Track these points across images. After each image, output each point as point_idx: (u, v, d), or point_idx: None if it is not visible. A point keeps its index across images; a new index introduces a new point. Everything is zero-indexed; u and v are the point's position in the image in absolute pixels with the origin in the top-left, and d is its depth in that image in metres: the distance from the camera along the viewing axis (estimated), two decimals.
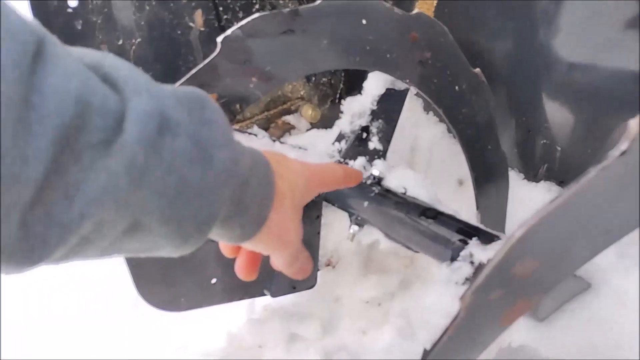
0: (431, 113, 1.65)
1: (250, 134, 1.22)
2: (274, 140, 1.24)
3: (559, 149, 1.31)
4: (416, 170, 1.71)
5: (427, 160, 1.72)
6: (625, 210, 0.61)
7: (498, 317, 0.63)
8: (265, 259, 1.37)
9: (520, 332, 0.78)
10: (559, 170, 1.33)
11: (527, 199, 1.35)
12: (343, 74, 1.61)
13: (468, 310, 0.55)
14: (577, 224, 0.58)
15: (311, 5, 1.03)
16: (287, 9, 1.02)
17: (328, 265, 1.83)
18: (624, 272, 0.74)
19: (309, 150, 1.29)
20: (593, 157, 0.54)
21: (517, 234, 0.51)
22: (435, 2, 1.46)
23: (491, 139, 1.30)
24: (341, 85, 1.64)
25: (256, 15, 0.96)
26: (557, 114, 1.31)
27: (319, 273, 1.76)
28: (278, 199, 0.68)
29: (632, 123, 0.48)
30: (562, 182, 1.32)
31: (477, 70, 1.21)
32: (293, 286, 1.57)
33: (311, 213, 1.48)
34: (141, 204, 0.51)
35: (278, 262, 0.79)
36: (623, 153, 0.48)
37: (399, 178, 1.17)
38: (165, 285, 1.43)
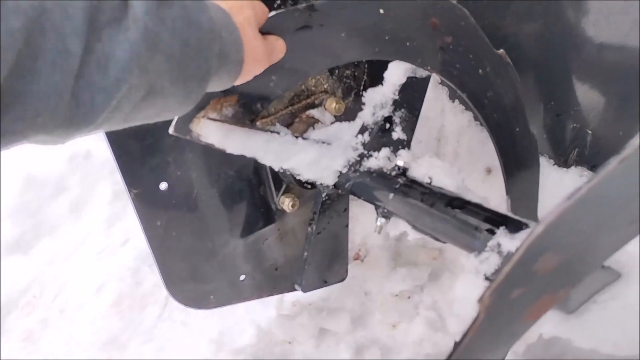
0: (457, 101, 1.62)
1: (272, 132, 1.21)
2: (297, 137, 1.23)
3: (589, 132, 1.27)
4: (443, 159, 1.68)
5: (454, 149, 1.69)
6: None
7: (521, 315, 0.60)
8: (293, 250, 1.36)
9: (551, 324, 0.75)
10: (591, 154, 1.29)
11: (558, 185, 1.31)
12: (366, 66, 1.59)
13: (488, 312, 0.52)
14: (598, 217, 0.55)
15: None
16: (303, 5, 1.00)
17: (356, 259, 1.81)
18: None
19: (333, 143, 1.28)
20: (626, 140, 0.51)
21: (536, 231, 0.49)
22: None
23: (519, 121, 1.25)
24: (365, 77, 1.62)
25: (272, 13, 0.95)
26: (587, 97, 1.27)
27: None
28: (243, 34, 0.78)
29: None
30: (594, 167, 1.27)
31: (501, 51, 1.17)
32: (324, 280, 1.56)
33: (338, 207, 1.47)
34: (156, 69, 0.64)
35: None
36: None
37: (424, 168, 1.15)
38: (194, 283, 1.43)
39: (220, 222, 1.40)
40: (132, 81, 0.61)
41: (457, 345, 0.54)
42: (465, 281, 0.92)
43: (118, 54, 0.59)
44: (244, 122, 1.13)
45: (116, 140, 1.16)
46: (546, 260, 0.54)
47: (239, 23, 0.78)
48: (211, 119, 1.05)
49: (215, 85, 0.78)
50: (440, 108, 1.66)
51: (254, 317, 1.70)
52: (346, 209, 1.48)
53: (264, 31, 0.91)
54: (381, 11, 1.05)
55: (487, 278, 0.79)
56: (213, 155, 1.32)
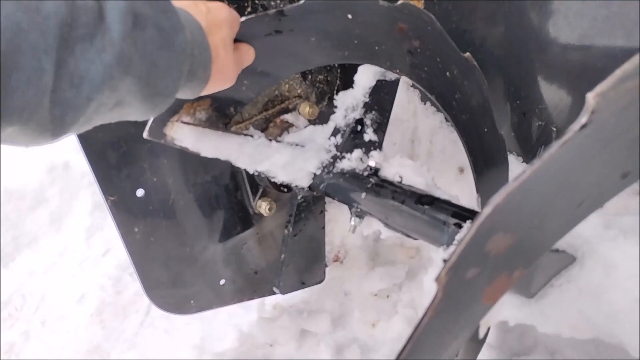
0: (428, 103, 1.65)
1: (246, 135, 1.23)
2: (270, 140, 1.25)
3: (554, 129, 1.31)
4: (417, 160, 1.72)
5: (427, 150, 1.72)
6: (592, 183, 0.59)
7: (479, 296, 0.62)
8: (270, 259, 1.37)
9: (513, 310, 0.78)
10: None
11: None
12: (339, 71, 1.62)
13: (445, 291, 0.53)
14: (545, 199, 0.57)
15: (296, 4, 1.01)
16: (272, 10, 1.02)
17: (336, 260, 1.84)
18: (609, 242, 0.73)
19: (306, 146, 1.30)
20: None
21: (486, 211, 0.51)
22: None
23: (487, 122, 1.28)
24: (338, 82, 1.65)
25: (243, 18, 0.96)
26: (551, 95, 1.31)
27: (327, 269, 1.78)
28: (214, 55, 0.81)
29: (590, 96, 0.47)
30: None
31: (467, 54, 1.20)
32: (302, 282, 1.58)
33: (314, 209, 1.49)
34: (127, 88, 0.66)
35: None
36: (583, 126, 0.48)
37: (395, 167, 1.18)
38: (175, 288, 1.44)
39: (199, 227, 1.42)
40: (102, 99, 0.63)
41: (417, 325, 0.55)
42: (434, 275, 0.95)
43: (92, 74, 0.61)
44: (217, 125, 1.15)
45: (92, 148, 1.17)
46: (498, 241, 0.55)
47: (213, 43, 0.80)
48: (185, 122, 1.07)
49: (180, 96, 0.80)
50: (413, 110, 1.69)
51: (235, 321, 1.72)
52: (322, 211, 1.50)
53: (235, 38, 0.92)
54: (349, 16, 1.07)
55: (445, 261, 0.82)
56: (189, 161, 1.34)
